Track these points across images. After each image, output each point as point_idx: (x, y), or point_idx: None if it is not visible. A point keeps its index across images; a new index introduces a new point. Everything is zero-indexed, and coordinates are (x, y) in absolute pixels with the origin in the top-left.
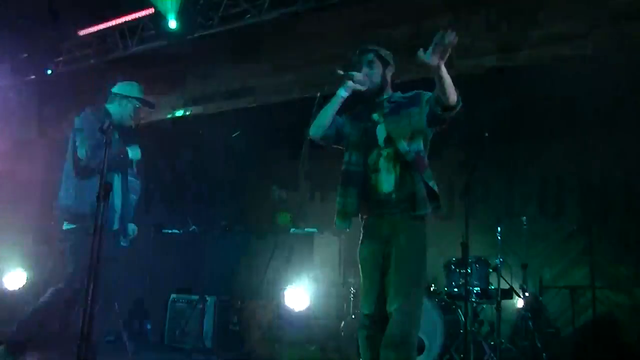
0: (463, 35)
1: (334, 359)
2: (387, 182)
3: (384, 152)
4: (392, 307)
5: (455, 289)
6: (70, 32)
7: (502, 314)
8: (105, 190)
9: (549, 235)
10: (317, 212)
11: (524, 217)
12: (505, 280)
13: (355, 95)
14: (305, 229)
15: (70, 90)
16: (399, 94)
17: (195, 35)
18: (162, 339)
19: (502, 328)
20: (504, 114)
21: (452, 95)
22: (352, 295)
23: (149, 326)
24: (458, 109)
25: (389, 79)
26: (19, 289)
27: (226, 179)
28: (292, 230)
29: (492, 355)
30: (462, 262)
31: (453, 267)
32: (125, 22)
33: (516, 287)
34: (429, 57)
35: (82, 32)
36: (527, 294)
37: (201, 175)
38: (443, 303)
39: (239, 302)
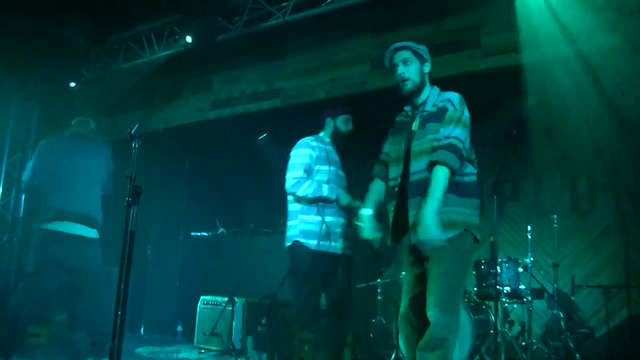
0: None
1: (364, 359)
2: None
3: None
4: (430, 311)
5: (485, 289)
6: (99, 39)
7: (533, 314)
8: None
9: (581, 234)
10: None
11: (555, 215)
12: (536, 280)
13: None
14: None
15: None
16: (434, 95)
17: (221, 38)
18: (192, 340)
19: (534, 328)
20: (532, 111)
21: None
22: (380, 296)
23: (179, 328)
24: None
25: (426, 75)
26: None
27: (253, 181)
28: None
29: (523, 355)
30: (492, 262)
31: (482, 266)
32: (151, 27)
33: (547, 286)
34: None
35: (110, 39)
36: (558, 294)
37: (228, 178)
38: (472, 303)
39: (268, 304)
